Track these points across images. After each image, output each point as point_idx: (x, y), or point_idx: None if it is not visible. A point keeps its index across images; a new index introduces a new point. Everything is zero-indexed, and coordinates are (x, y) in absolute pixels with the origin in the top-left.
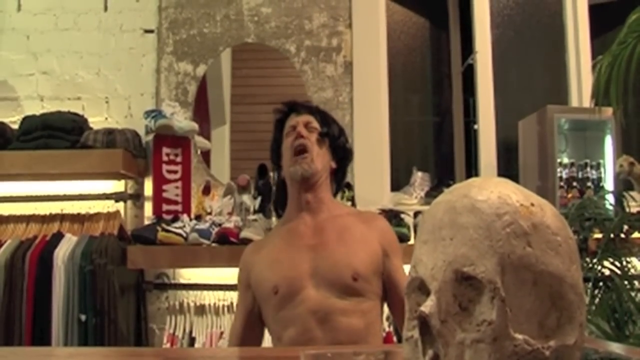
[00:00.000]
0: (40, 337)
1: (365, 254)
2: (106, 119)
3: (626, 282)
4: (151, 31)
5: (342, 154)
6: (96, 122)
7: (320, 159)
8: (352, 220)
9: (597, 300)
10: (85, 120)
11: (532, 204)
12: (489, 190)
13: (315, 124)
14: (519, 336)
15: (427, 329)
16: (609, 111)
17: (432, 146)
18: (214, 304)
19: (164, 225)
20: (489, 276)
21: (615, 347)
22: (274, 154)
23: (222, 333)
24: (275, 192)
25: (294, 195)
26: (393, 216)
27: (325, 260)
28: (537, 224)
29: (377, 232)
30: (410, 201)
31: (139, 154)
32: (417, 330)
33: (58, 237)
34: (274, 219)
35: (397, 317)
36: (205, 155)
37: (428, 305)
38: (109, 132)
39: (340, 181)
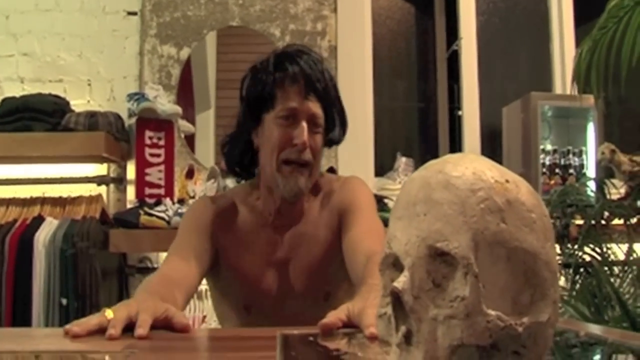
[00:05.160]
0: (21, 321)
1: (333, 263)
2: (88, 101)
3: (606, 268)
4: (134, 13)
5: (339, 137)
6: (78, 104)
7: (318, 168)
8: (318, 215)
9: (577, 285)
10: (67, 103)
11: (507, 181)
12: (464, 166)
13: (321, 118)
14: (492, 312)
15: (400, 305)
16: (591, 99)
17: (417, 132)
18: None
19: (146, 209)
20: (462, 252)
21: (595, 329)
22: (249, 110)
23: (204, 317)
24: (233, 149)
25: (269, 195)
26: (377, 201)
27: (295, 284)
28: (512, 201)
29: (336, 213)
30: (394, 186)
31: (121, 137)
32: (390, 306)
33: (39, 220)
34: None
35: (355, 275)
36: (190, 140)
37: (401, 281)
38: (91, 114)
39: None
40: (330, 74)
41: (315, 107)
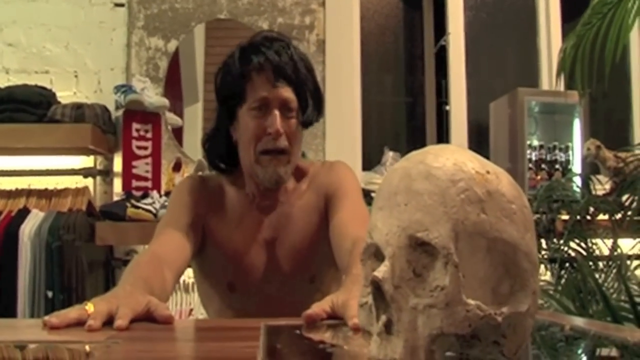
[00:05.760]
0: (6, 314)
1: (319, 246)
2: (75, 93)
3: (591, 263)
4: (121, 5)
5: (315, 117)
6: (65, 96)
7: (297, 152)
8: (304, 198)
9: (563, 280)
10: (53, 95)
11: (488, 172)
12: (445, 157)
13: (293, 102)
14: (472, 302)
15: (381, 294)
16: (576, 95)
17: (404, 126)
18: (184, 281)
19: (133, 202)
20: (442, 242)
21: (579, 321)
22: (223, 107)
23: (191, 310)
24: (214, 146)
25: (252, 182)
26: (364, 195)
27: (281, 264)
28: (492, 192)
29: (323, 196)
30: (381, 181)
31: (108, 129)
32: (371, 296)
33: (24, 212)
34: None
35: (340, 259)
36: (178, 133)
37: (381, 271)
38: (78, 106)
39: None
40: (301, 55)
41: (287, 92)
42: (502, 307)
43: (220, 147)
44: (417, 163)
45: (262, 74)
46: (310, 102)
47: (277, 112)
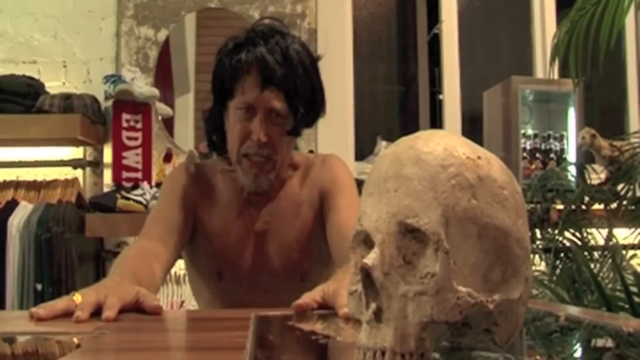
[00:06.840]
0: None
1: (313, 241)
2: (64, 83)
3: (586, 253)
4: None
5: (313, 119)
6: (53, 87)
7: (284, 158)
8: (298, 191)
9: (558, 270)
10: (42, 85)
11: (479, 157)
12: (435, 142)
13: (282, 109)
14: (462, 289)
15: (371, 282)
16: (571, 82)
17: (397, 115)
18: (175, 272)
19: (123, 193)
20: (432, 228)
21: (574, 311)
22: (215, 96)
23: (182, 302)
24: (210, 124)
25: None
26: (357, 185)
27: (271, 258)
28: (483, 177)
29: (317, 191)
30: None
31: (97, 120)
32: (361, 283)
33: (12, 204)
34: None
35: (335, 255)
36: (169, 123)
37: (371, 258)
38: (67, 97)
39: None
40: (299, 52)
41: (275, 99)
42: (494, 294)
43: (214, 129)
44: (407, 148)
45: (250, 75)
46: (302, 111)
47: (261, 119)
